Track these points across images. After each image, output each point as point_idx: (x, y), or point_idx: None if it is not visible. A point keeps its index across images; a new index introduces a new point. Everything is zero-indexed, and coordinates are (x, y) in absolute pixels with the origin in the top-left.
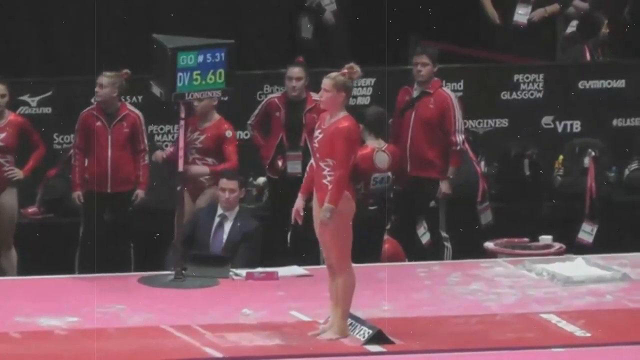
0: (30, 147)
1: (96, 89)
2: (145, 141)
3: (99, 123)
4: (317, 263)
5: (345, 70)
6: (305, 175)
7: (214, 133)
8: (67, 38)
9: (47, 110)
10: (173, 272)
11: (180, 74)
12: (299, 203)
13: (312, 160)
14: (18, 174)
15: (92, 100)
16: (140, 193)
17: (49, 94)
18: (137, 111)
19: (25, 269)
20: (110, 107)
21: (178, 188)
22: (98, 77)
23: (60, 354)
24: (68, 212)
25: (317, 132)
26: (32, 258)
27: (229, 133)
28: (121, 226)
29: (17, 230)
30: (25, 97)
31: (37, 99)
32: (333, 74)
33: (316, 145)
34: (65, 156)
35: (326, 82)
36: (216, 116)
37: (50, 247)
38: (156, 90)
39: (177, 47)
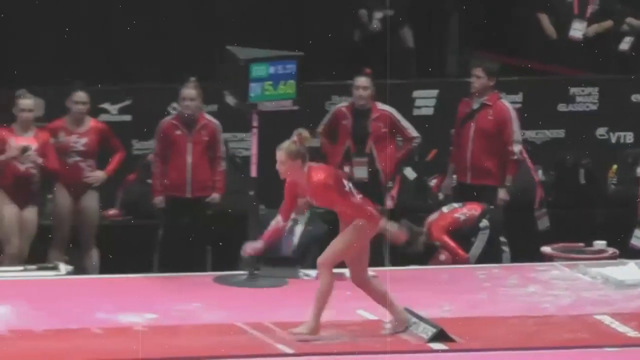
0: (109, 152)
1: (186, 103)
2: (222, 148)
3: (179, 132)
4: (382, 265)
5: (295, 138)
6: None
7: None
8: (145, 48)
9: (127, 117)
10: (247, 272)
11: (252, 84)
12: None
13: None
14: (101, 176)
15: (170, 110)
16: (216, 197)
17: (128, 102)
18: (214, 120)
19: (106, 268)
20: (191, 116)
21: (251, 193)
22: (183, 90)
23: (138, 349)
24: (146, 215)
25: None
26: (112, 258)
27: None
28: (199, 229)
29: (98, 231)
30: (106, 105)
31: (117, 106)
32: (285, 144)
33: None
34: (143, 162)
35: (279, 154)
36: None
37: (130, 247)
38: (230, 99)
39: (249, 59)
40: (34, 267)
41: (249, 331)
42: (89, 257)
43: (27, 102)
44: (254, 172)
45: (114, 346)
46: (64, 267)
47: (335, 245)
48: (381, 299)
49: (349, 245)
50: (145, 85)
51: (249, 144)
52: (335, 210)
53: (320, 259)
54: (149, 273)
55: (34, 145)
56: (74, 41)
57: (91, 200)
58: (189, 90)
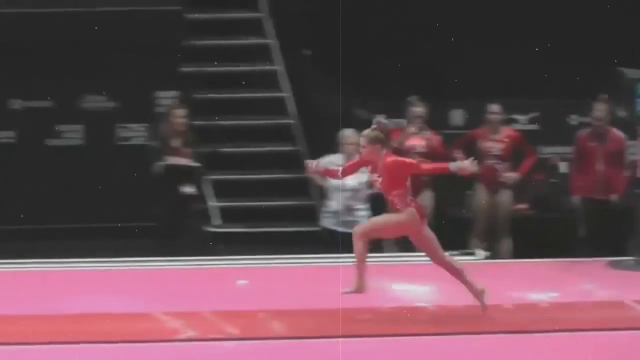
0: (520, 156)
1: (599, 118)
2: (626, 157)
3: (592, 143)
4: None
5: (375, 126)
6: None
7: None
8: (547, 68)
9: (534, 127)
10: (634, 258)
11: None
12: None
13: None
14: (515, 176)
15: (569, 121)
16: (614, 197)
17: (536, 113)
18: (620, 133)
19: (517, 254)
20: (602, 130)
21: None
22: (596, 105)
23: (541, 320)
24: (552, 210)
25: (376, 176)
26: (523, 246)
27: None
28: (604, 224)
29: (511, 223)
30: (516, 116)
31: (526, 117)
32: (366, 132)
33: (380, 183)
34: (548, 164)
35: (362, 140)
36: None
37: (538, 237)
38: (620, 112)
39: (637, 78)
40: (456, 252)
41: (635, 307)
42: (503, 244)
43: (417, 110)
44: None
45: (522, 319)
46: (480, 253)
47: (376, 220)
48: (458, 274)
49: (388, 224)
50: (549, 100)
51: (636, 150)
52: (388, 196)
53: (356, 228)
54: (557, 258)
55: (421, 142)
56: (493, 61)
57: (506, 196)
58: (600, 112)
